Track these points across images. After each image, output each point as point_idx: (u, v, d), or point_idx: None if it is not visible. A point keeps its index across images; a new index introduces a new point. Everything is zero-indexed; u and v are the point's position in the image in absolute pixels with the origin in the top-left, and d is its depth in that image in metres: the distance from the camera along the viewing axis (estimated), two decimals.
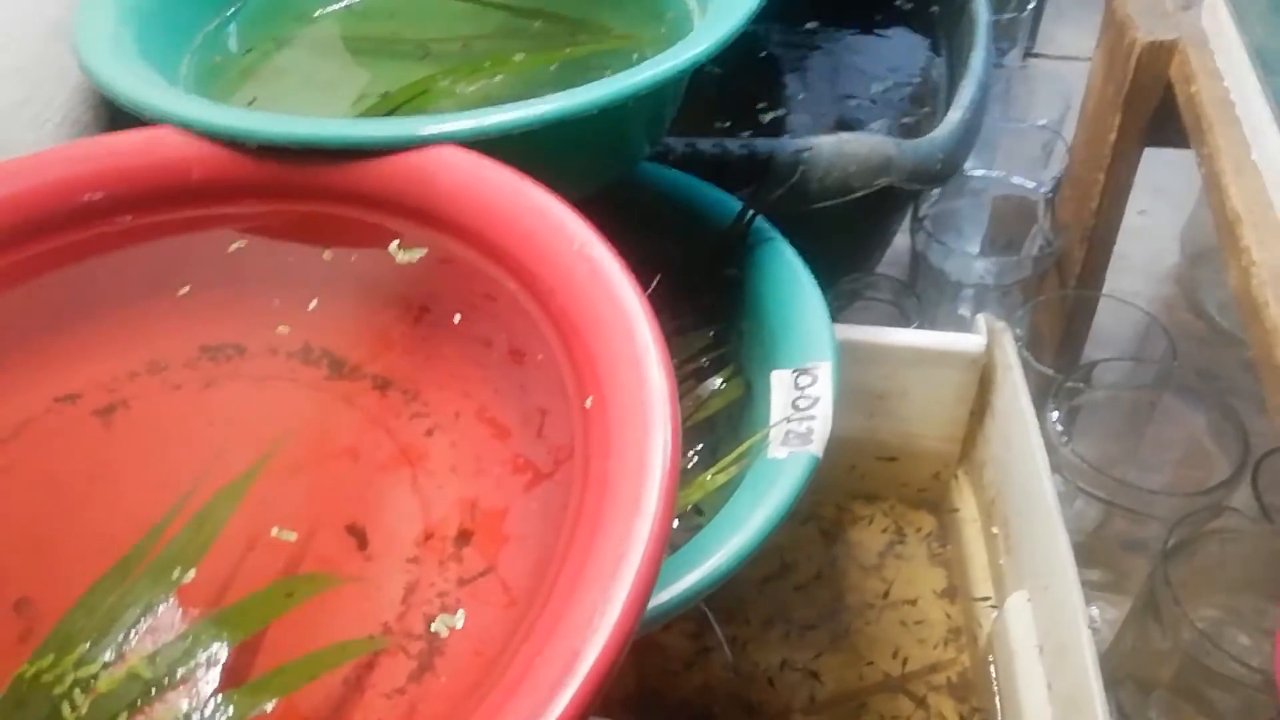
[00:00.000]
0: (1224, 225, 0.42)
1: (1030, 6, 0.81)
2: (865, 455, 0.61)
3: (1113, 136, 0.54)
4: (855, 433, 0.60)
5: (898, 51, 0.77)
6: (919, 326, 0.62)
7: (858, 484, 0.63)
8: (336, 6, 0.52)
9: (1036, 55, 1.03)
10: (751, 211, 0.47)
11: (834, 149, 0.51)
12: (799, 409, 0.39)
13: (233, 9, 0.49)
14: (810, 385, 0.40)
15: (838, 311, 0.64)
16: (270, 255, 0.35)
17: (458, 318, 0.32)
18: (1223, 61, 0.48)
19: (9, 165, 0.34)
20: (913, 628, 0.57)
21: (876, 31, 0.79)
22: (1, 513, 0.30)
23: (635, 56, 0.47)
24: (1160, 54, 0.50)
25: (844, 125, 0.69)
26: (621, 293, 0.29)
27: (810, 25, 0.79)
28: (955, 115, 0.59)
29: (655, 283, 0.42)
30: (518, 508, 0.28)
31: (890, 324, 0.64)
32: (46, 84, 0.45)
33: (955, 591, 0.59)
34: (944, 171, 0.56)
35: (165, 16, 0.45)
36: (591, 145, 0.41)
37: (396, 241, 0.34)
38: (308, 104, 0.45)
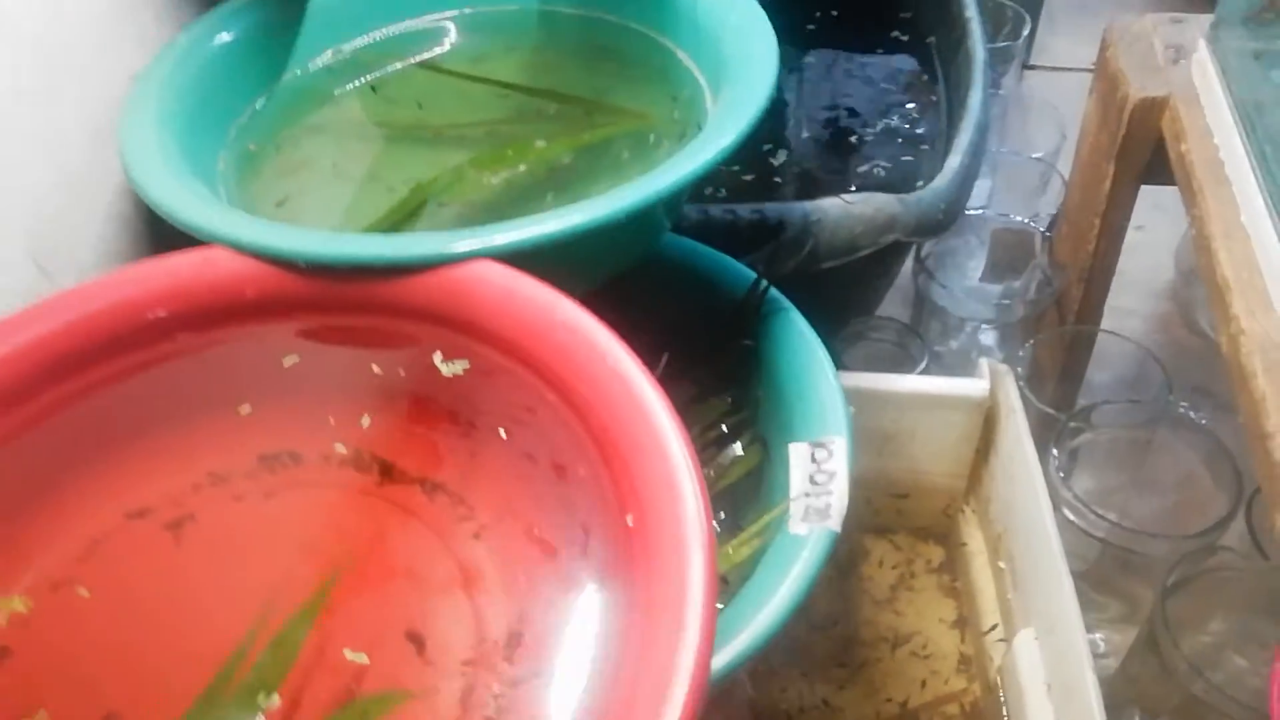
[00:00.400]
0: (1214, 291, 0.44)
1: (1025, 33, 0.83)
2: (878, 492, 0.63)
3: (1107, 184, 0.56)
4: (867, 472, 0.62)
5: (896, 83, 0.79)
6: (925, 366, 0.64)
7: (870, 519, 0.65)
8: (355, 84, 0.54)
9: (1033, 67, 1.05)
10: (765, 282, 0.49)
11: (841, 211, 0.54)
12: (817, 484, 0.41)
13: (260, 100, 0.51)
14: (827, 460, 0.42)
15: (844, 354, 0.67)
16: (322, 369, 0.37)
17: (503, 432, 0.35)
18: (1212, 118, 0.51)
19: (77, 292, 0.37)
20: (925, 659, 0.60)
21: (875, 63, 0.81)
22: (87, 630, 0.33)
23: (651, 138, 0.49)
24: (1152, 109, 0.53)
25: (845, 164, 0.71)
26: (654, 412, 0.32)
27: (810, 59, 0.81)
28: (954, 161, 0.61)
29: (664, 361, 0.45)
30: (565, 626, 0.30)
31: (895, 364, 0.67)
32: (92, 184, 0.47)
33: (965, 622, 0.62)
34: (946, 221, 0.59)
35: (201, 117, 0.47)
36: (616, 242, 0.43)
37: (440, 353, 0.36)
38: (338, 197, 0.47)
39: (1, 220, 0.42)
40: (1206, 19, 0.55)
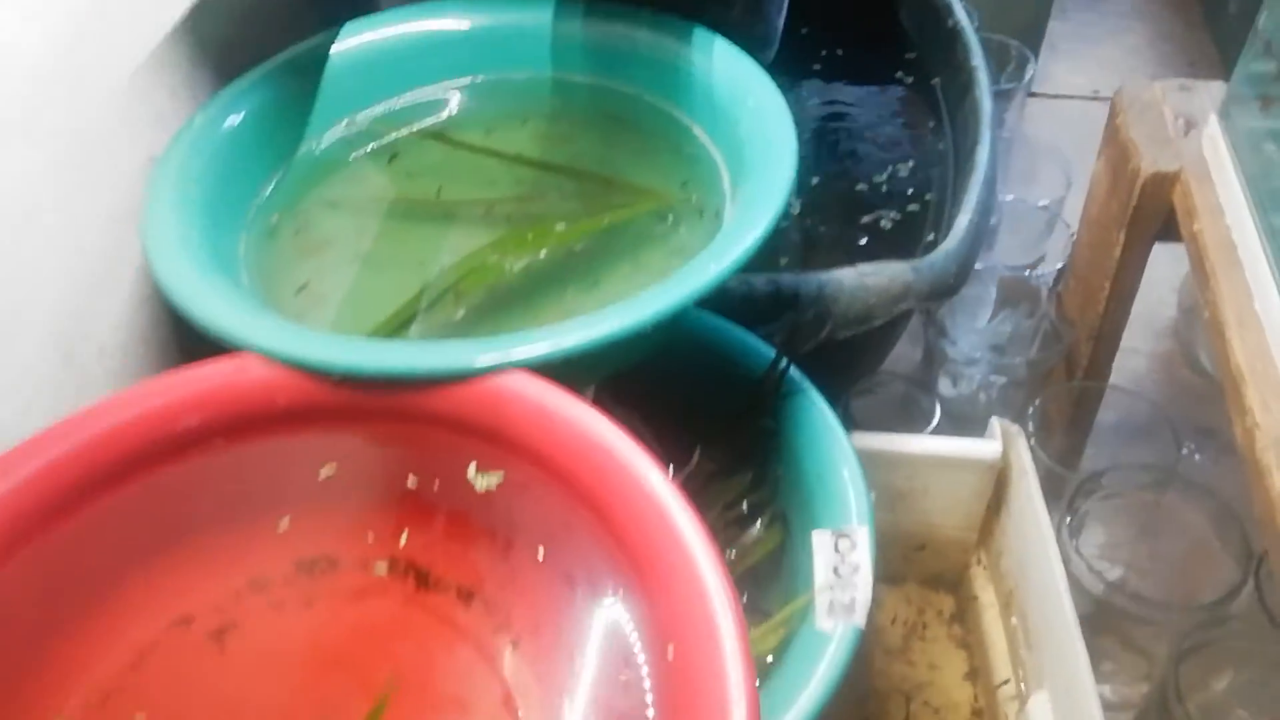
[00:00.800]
0: (1229, 381, 0.44)
1: (1029, 76, 0.83)
2: (892, 544, 0.64)
3: (1118, 251, 0.57)
4: (880, 526, 0.63)
5: (902, 127, 0.79)
6: (937, 421, 0.65)
7: (882, 569, 0.66)
8: (371, 156, 0.54)
9: (1034, 94, 1.05)
10: (785, 361, 0.49)
11: (855, 282, 0.54)
12: (840, 576, 0.42)
13: (279, 175, 0.51)
14: (850, 551, 0.43)
15: (855, 407, 0.67)
16: (359, 481, 0.38)
17: (541, 552, 0.35)
18: (1223, 195, 0.51)
19: (111, 403, 0.37)
20: (937, 711, 0.61)
21: (882, 106, 0.81)
22: None
23: (670, 218, 0.49)
24: (1164, 184, 0.53)
25: (853, 214, 0.72)
26: (692, 544, 0.32)
27: (813, 101, 0.82)
28: (964, 220, 0.61)
29: (696, 457, 0.46)
30: None
31: (907, 416, 0.67)
32: (113, 267, 0.47)
33: (977, 674, 0.63)
34: (958, 284, 0.59)
35: (221, 199, 0.47)
36: (637, 343, 0.43)
37: (474, 464, 0.37)
38: (358, 282, 0.48)
39: (24, 311, 0.42)
40: (1216, 86, 0.56)
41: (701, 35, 0.52)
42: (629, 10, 0.54)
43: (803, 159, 0.77)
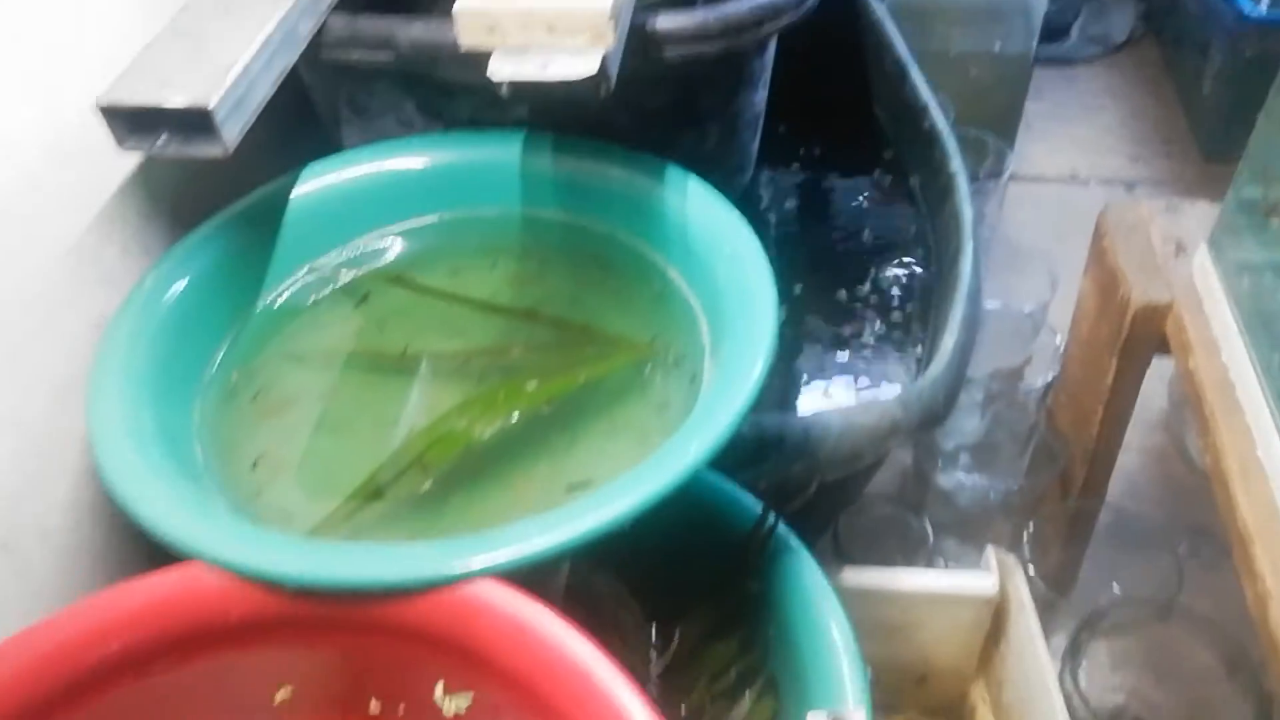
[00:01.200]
0: (1237, 541, 0.42)
1: (1007, 173, 0.82)
2: (889, 675, 0.62)
3: (1110, 377, 0.55)
4: (877, 658, 0.60)
5: (882, 230, 0.77)
6: (931, 546, 0.63)
7: (880, 697, 0.64)
8: (334, 304, 0.51)
9: (1013, 178, 1.04)
10: (773, 517, 0.47)
11: (842, 423, 0.52)
12: None
13: (237, 330, 0.49)
14: None
15: (846, 529, 0.65)
16: (318, 708, 0.35)
17: None
18: (1217, 328, 0.49)
19: (40, 628, 0.34)
20: None
21: (859, 204, 0.80)
22: None
23: (647, 368, 0.47)
24: (1155, 315, 0.52)
25: (839, 324, 0.70)
26: None
27: (791, 201, 0.80)
28: (949, 341, 0.59)
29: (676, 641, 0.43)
30: None
31: (900, 541, 0.65)
32: (56, 443, 0.45)
33: None
34: (946, 410, 0.57)
35: (173, 367, 0.45)
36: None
37: (441, 683, 0.34)
38: (318, 452, 0.45)
39: None
40: (1204, 208, 0.54)
41: (675, 174, 0.50)
42: (600, 146, 0.52)
43: (784, 265, 0.76)
